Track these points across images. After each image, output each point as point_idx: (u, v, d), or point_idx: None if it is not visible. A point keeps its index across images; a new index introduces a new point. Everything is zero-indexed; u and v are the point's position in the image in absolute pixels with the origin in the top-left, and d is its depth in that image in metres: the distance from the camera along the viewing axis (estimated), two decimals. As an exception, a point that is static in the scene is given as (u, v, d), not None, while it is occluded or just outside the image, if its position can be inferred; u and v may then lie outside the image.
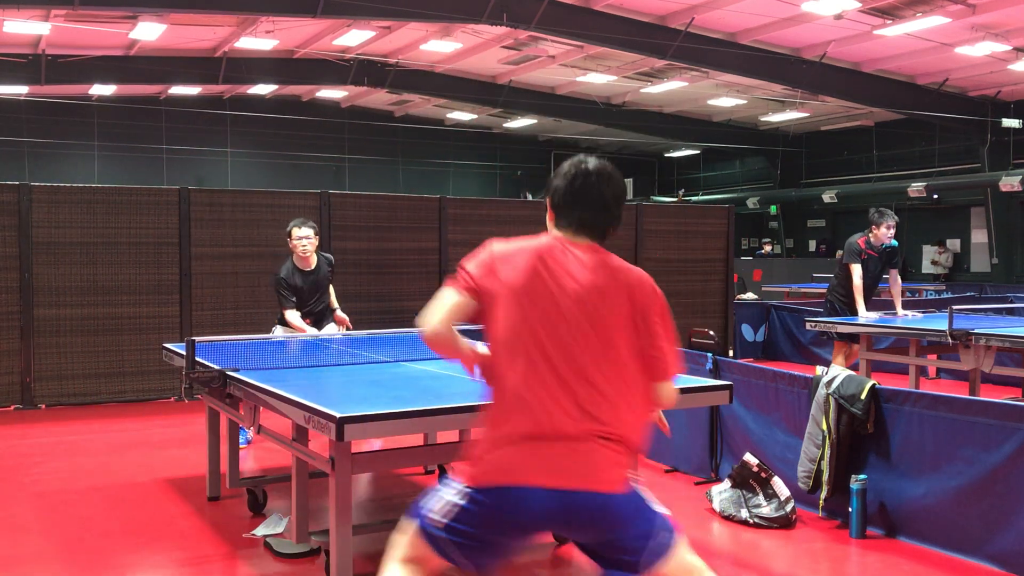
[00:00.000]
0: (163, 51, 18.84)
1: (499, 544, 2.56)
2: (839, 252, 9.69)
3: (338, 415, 3.31)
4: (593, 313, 2.56)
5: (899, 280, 8.96)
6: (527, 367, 2.53)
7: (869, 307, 8.55)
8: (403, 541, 2.68)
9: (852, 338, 8.45)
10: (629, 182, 26.79)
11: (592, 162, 2.75)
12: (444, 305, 2.63)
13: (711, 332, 7.58)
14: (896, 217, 8.80)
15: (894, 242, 8.71)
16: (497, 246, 2.71)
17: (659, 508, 2.65)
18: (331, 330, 7.06)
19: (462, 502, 2.52)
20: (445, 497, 2.56)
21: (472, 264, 2.68)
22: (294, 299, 6.83)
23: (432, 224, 10.45)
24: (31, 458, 6.72)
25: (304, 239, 6.82)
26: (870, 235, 8.60)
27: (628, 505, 2.55)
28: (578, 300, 2.57)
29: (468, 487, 2.53)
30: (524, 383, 2.52)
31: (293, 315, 6.78)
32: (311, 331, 6.82)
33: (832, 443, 4.91)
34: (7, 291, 8.71)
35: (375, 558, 4.70)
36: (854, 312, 8.44)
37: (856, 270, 8.48)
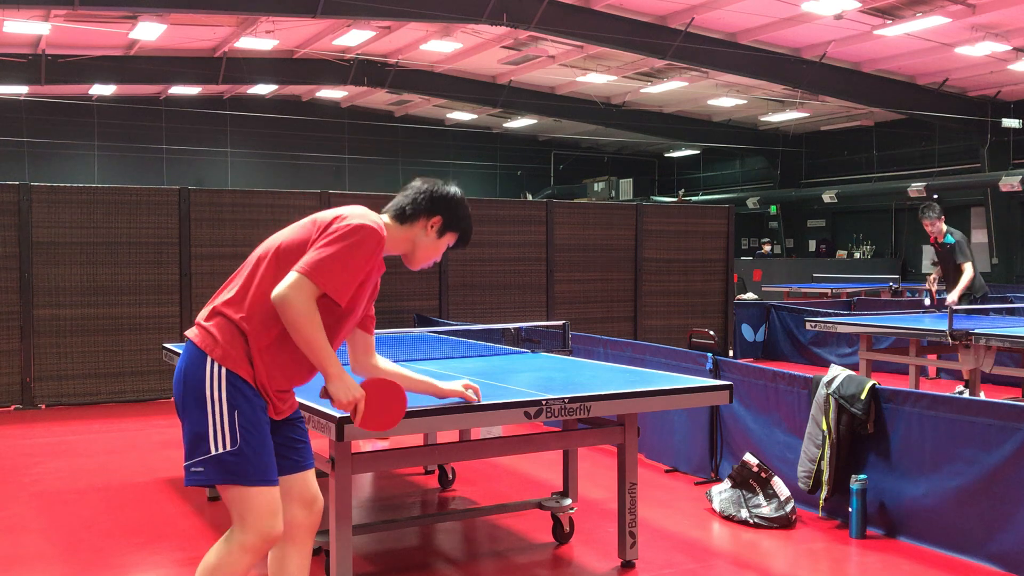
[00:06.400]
0: (163, 51, 18.85)
1: None
2: (839, 252, 10.14)
3: (338, 415, 3.30)
4: (266, 245, 3.03)
5: (963, 272, 9.09)
6: None
7: (944, 296, 9.14)
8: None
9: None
10: (629, 182, 26.82)
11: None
12: None
13: (711, 332, 7.57)
14: (934, 212, 9.12)
15: (949, 238, 9.11)
16: None
17: (216, 447, 2.89)
18: None
19: None
20: None
21: None
22: None
23: (432, 224, 10.43)
24: (31, 458, 6.72)
25: None
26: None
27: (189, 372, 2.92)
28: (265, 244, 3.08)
29: None
30: None
31: None
32: None
33: (832, 443, 4.91)
34: (7, 291, 8.71)
35: (375, 558, 4.71)
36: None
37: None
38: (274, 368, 2.93)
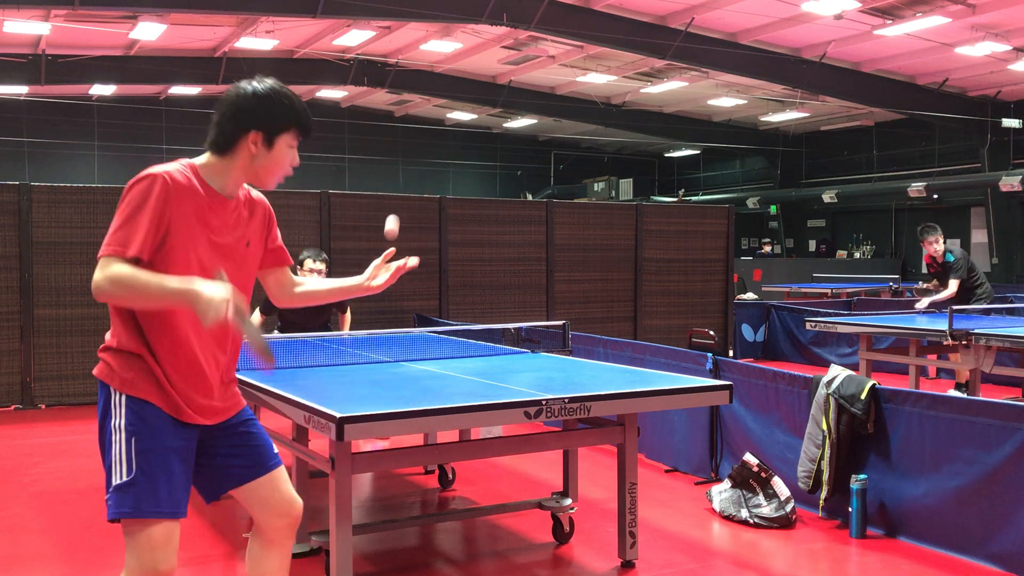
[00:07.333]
0: (163, 51, 18.85)
1: None
2: (839, 252, 10.25)
3: (338, 415, 3.31)
4: None
5: (948, 285, 9.23)
6: None
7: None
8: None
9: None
10: (629, 182, 26.81)
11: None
12: None
13: (711, 332, 7.58)
14: (934, 232, 9.30)
15: (949, 256, 9.22)
16: None
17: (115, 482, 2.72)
18: None
19: None
20: None
21: None
22: (275, 313, 7.03)
23: (432, 224, 10.45)
24: (31, 458, 6.72)
25: (315, 273, 6.78)
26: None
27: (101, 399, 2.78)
28: None
29: None
30: None
31: (256, 316, 6.83)
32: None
33: (832, 443, 4.91)
34: (7, 291, 8.71)
35: (375, 558, 4.71)
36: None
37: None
38: (179, 375, 2.75)
